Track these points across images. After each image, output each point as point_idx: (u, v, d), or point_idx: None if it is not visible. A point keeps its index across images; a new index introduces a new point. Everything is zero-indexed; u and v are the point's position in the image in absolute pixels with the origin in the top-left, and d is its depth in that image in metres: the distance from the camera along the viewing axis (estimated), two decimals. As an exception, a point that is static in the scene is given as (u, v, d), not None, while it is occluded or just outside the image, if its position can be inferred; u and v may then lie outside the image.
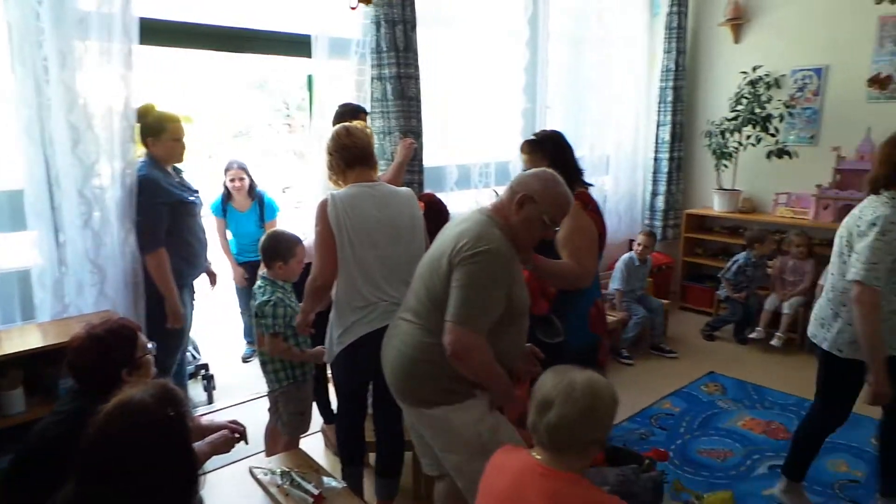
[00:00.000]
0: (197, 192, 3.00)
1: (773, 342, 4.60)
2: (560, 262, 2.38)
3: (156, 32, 3.03)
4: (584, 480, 1.48)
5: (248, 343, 4.51)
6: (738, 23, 5.20)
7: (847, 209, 4.56)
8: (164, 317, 2.79)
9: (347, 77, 3.76)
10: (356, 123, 2.54)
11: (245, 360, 4.47)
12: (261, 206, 4.22)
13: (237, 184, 4.12)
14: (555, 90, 4.92)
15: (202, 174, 5.14)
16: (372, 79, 3.68)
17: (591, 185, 2.71)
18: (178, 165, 2.96)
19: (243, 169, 4.16)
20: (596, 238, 2.47)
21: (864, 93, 4.61)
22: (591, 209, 2.54)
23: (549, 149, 2.56)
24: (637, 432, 3.47)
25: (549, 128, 4.90)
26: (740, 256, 4.81)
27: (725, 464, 3.14)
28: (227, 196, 4.20)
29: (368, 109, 3.60)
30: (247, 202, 4.21)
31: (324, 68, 3.54)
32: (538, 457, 1.50)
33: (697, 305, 5.43)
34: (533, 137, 2.65)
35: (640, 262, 4.65)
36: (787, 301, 4.63)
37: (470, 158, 4.38)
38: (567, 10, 4.88)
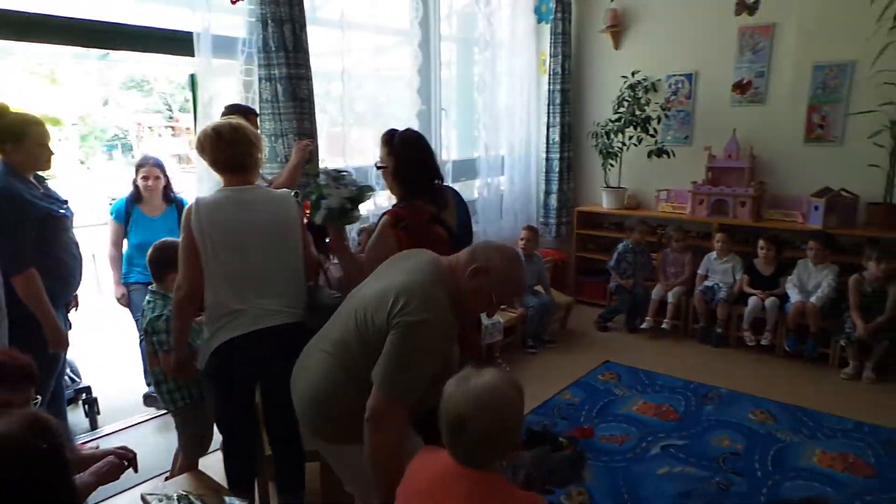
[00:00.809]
0: (66, 202, 2.72)
1: (664, 326, 4.92)
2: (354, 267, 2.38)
3: (9, 24, 2.73)
4: (502, 479, 1.48)
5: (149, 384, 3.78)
6: (617, 30, 5.51)
7: (720, 204, 5.01)
8: (36, 341, 2.50)
9: (234, 77, 3.60)
10: (234, 119, 2.37)
11: (146, 400, 3.74)
12: (178, 211, 3.56)
13: (150, 183, 3.55)
14: (449, 92, 4.98)
15: (73, 183, 4.72)
16: (261, 79, 3.54)
17: (449, 188, 2.69)
18: (42, 174, 2.68)
19: (159, 167, 3.61)
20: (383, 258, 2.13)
21: (729, 97, 5.02)
22: (406, 227, 2.31)
23: (397, 146, 2.46)
24: (541, 423, 3.56)
25: (443, 129, 5.01)
26: (620, 245, 5.12)
27: (623, 447, 3.30)
28: (136, 197, 3.61)
29: (258, 111, 3.46)
30: (160, 206, 3.64)
31: (207, 68, 3.35)
32: (457, 457, 1.48)
33: (592, 299, 5.68)
34: (391, 129, 2.55)
35: (525, 256, 4.71)
36: (670, 291, 4.95)
37: (368, 160, 4.32)
38: (457, 13, 4.96)
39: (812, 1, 4.58)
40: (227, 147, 2.26)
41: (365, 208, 3.16)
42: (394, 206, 2.48)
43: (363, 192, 2.41)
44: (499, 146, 5.44)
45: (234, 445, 2.44)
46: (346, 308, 1.94)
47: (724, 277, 4.77)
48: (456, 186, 4.32)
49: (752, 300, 4.52)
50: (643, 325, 4.99)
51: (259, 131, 2.91)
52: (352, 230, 3.70)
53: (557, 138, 5.68)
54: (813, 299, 4.27)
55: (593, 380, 4.18)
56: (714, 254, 4.81)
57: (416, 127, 4.62)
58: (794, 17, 4.68)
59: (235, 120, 2.36)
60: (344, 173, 2.43)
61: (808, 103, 4.72)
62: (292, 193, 2.44)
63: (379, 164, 2.54)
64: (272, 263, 2.27)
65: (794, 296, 4.36)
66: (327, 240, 2.52)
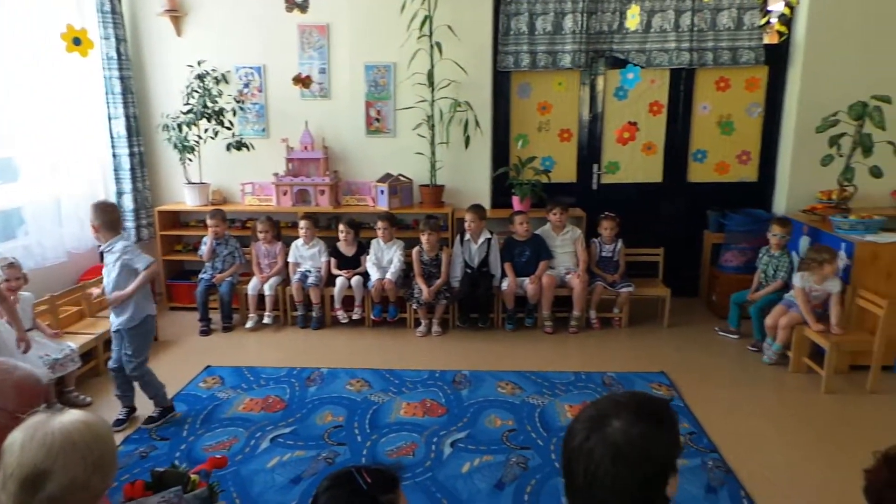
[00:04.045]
0: None
1: (266, 320, 4.92)
2: None
3: None
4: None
5: None
6: (177, 15, 5.18)
7: (302, 193, 5.24)
8: None
9: None
10: None
11: None
12: None
13: None
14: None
15: None
16: None
17: None
18: None
19: None
20: None
21: (298, 90, 5.25)
22: None
23: None
24: (137, 453, 3.16)
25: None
26: (206, 239, 4.97)
27: (231, 451, 3.17)
28: None
29: None
30: None
31: None
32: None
33: (187, 303, 5.29)
34: None
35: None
36: (267, 283, 4.97)
37: None
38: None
39: (358, 5, 5.11)
40: None
41: None
42: None
43: None
44: (45, 142, 4.54)
45: None
46: None
47: (314, 262, 5.02)
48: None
49: (339, 280, 4.88)
50: (248, 325, 4.91)
51: None
52: None
53: (123, 132, 5.07)
54: (389, 274, 4.84)
55: (195, 389, 3.91)
56: (301, 241, 5.02)
57: None
58: (345, 18, 5.15)
59: None
60: None
61: (365, 99, 5.28)
62: None
63: None
64: None
65: (374, 272, 4.87)
66: None
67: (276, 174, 5.20)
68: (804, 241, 4.46)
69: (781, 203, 5.16)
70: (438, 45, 4.86)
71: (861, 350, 3.84)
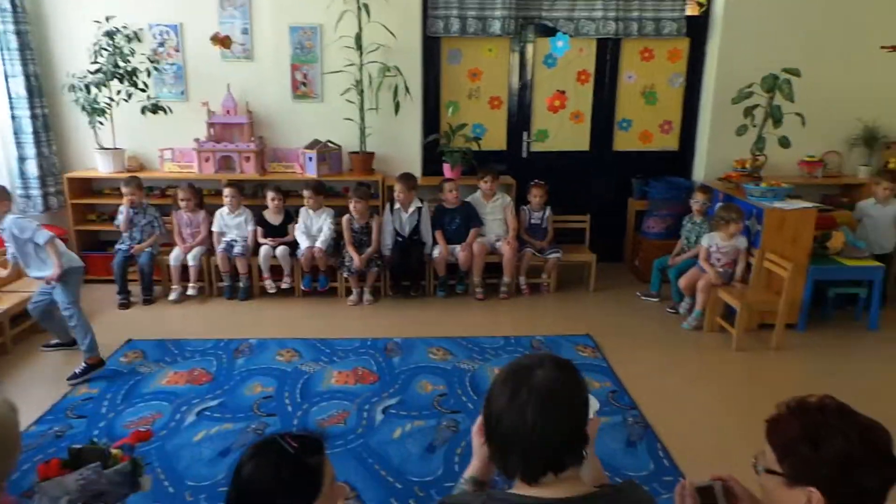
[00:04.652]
0: None
1: (190, 292, 4.75)
2: None
3: None
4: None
5: None
6: (83, -34, 4.79)
7: (226, 160, 5.03)
8: None
9: None
10: None
11: None
12: None
13: None
14: None
15: None
16: None
17: None
18: None
19: None
20: None
21: (220, 51, 4.99)
22: None
23: None
24: (52, 432, 3.01)
25: None
26: (122, 209, 4.72)
27: (155, 426, 3.07)
28: None
29: None
30: None
31: None
32: None
33: (104, 275, 5.01)
34: None
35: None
36: (190, 253, 4.78)
37: None
38: None
39: (280, -37, 4.88)
40: None
41: None
42: None
43: None
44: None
45: None
46: None
47: (240, 231, 4.86)
48: None
49: (263, 249, 4.75)
50: (171, 297, 4.72)
51: None
52: None
53: (23, 92, 4.69)
54: (318, 243, 4.75)
55: (115, 364, 3.75)
56: (225, 209, 4.84)
57: None
58: (267, -23, 4.92)
59: None
60: None
61: (290, 62, 5.08)
62: None
63: None
64: None
65: (304, 241, 4.77)
66: None
67: (197, 140, 4.96)
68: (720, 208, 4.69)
69: (700, 171, 5.39)
70: (366, 6, 4.73)
71: (768, 310, 4.11)
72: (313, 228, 4.85)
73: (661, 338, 4.24)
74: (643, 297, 4.90)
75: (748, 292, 4.13)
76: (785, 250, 4.11)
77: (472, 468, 1.38)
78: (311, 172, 5.01)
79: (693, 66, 5.36)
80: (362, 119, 5.03)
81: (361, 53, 4.86)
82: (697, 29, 5.24)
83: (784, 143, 4.41)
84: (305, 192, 4.79)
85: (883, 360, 3.91)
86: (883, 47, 4.96)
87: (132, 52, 4.77)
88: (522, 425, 1.13)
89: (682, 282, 4.45)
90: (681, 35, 5.20)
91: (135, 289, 4.76)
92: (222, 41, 4.83)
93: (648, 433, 3.07)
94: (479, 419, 1.37)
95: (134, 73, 4.71)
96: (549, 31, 5.18)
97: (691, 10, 4.61)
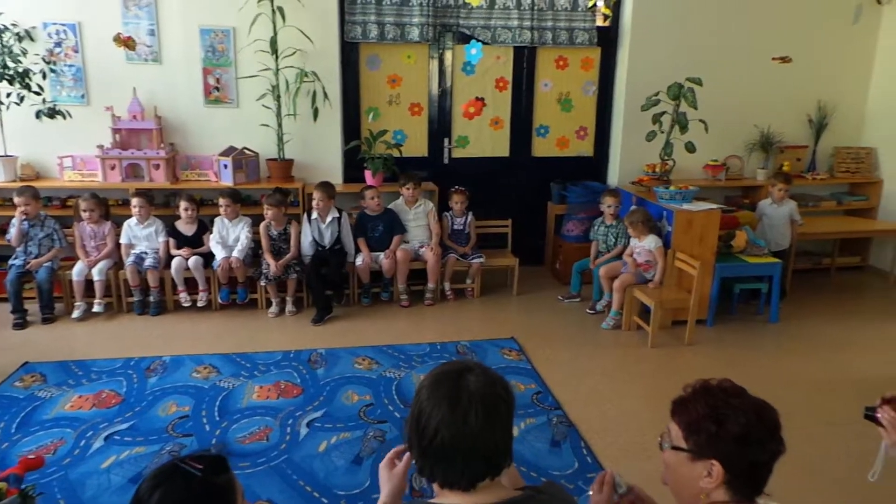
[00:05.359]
0: None
1: (96, 308, 4.45)
2: None
3: None
4: None
5: None
6: (-35, -41, 4.42)
7: (134, 168, 4.76)
8: None
9: None
10: None
11: None
12: None
13: None
14: None
15: None
16: None
17: None
18: None
19: None
20: None
21: (125, 53, 4.73)
22: None
23: None
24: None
25: None
26: (15, 221, 4.39)
27: (57, 455, 2.85)
28: None
29: None
30: None
31: None
32: None
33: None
34: None
35: None
36: (95, 267, 4.49)
37: None
38: None
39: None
40: None
41: None
42: None
43: None
44: None
45: None
46: None
47: (150, 243, 4.62)
48: None
49: (175, 261, 4.53)
50: (75, 315, 4.41)
51: None
52: None
53: None
54: (236, 252, 4.58)
55: (9, 389, 3.45)
56: (134, 220, 4.58)
57: None
58: (175, -23, 4.71)
59: None
60: None
61: (202, 65, 4.88)
62: None
63: None
64: None
65: (219, 252, 4.58)
66: None
67: (101, 146, 4.67)
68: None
69: (614, 176, 5.60)
70: (281, 10, 4.61)
71: (680, 307, 4.31)
72: (230, 238, 4.67)
73: (582, 338, 4.35)
74: (565, 300, 5.02)
75: (661, 291, 4.32)
76: (693, 250, 4.33)
77: (383, 501, 1.36)
78: (227, 180, 4.82)
79: (605, 75, 5.57)
80: (280, 125, 4.90)
81: (277, 58, 4.74)
82: (608, 39, 5.46)
83: (690, 148, 4.66)
84: (221, 201, 4.61)
85: (782, 350, 4.19)
86: (774, 58, 5.34)
87: (24, 52, 4.44)
88: (467, 433, 1.11)
89: (602, 271, 4.63)
90: (592, 45, 5.40)
91: (33, 306, 4.42)
92: (126, 42, 4.57)
93: (572, 432, 3.14)
94: (390, 454, 1.37)
95: (26, 74, 4.38)
96: (468, 39, 5.24)
97: (599, 21, 4.78)
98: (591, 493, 1.46)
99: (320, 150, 5.17)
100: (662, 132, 4.70)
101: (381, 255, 4.76)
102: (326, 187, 4.70)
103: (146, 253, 4.57)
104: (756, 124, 5.59)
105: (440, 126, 5.46)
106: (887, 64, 5.62)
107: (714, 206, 4.53)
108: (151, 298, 4.57)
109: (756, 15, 5.37)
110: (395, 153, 5.12)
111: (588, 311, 4.78)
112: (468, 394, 1.13)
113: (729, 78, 5.38)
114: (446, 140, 5.49)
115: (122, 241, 4.58)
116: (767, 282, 4.61)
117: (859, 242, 5.79)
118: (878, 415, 1.62)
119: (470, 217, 5.11)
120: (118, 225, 4.62)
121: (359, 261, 4.75)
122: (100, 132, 4.69)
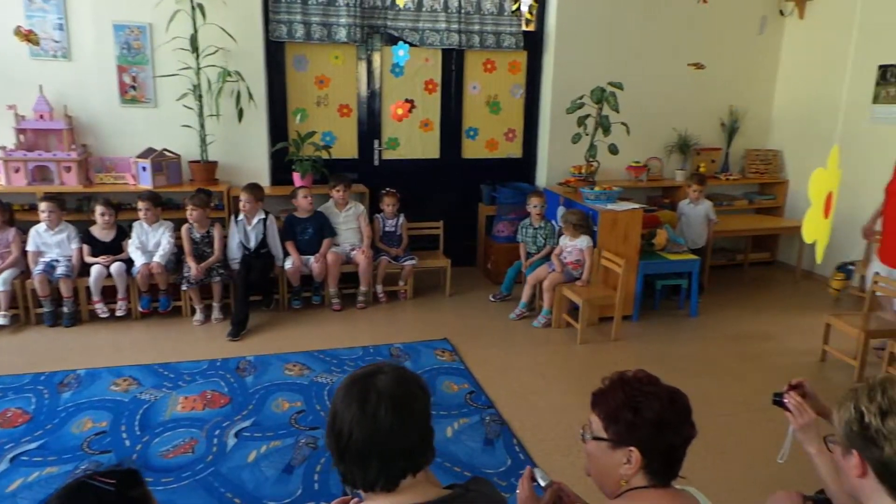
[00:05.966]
0: None
1: (1, 322, 4.17)
2: None
3: None
4: None
5: None
6: None
7: (42, 171, 4.47)
8: None
9: None
10: None
11: None
12: None
13: None
14: None
15: None
16: None
17: None
18: None
19: None
20: None
21: (28, 48, 4.44)
22: None
23: None
24: None
25: None
26: None
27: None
28: None
29: None
30: None
31: None
32: None
33: None
34: None
35: None
36: (1, 275, 4.19)
37: None
38: None
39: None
40: None
41: None
42: None
43: None
44: None
45: None
46: None
47: (62, 250, 4.35)
48: None
49: (95, 269, 4.29)
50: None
51: None
52: None
53: None
54: (157, 257, 4.38)
55: None
56: (43, 226, 4.30)
57: None
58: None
59: None
60: None
61: (116, 63, 4.65)
62: None
63: None
64: None
65: (139, 258, 4.37)
66: None
67: (3, 148, 4.36)
68: (561, 211, 5.00)
69: (542, 177, 5.72)
70: (201, 7, 4.46)
71: (607, 304, 4.45)
72: (150, 244, 4.46)
73: (514, 337, 4.42)
74: (497, 300, 5.08)
75: (589, 289, 4.44)
76: (618, 248, 4.48)
77: None
78: (146, 183, 4.61)
79: (531, 78, 5.68)
80: (202, 126, 4.72)
81: (198, 56, 4.57)
82: (534, 43, 5.57)
83: (613, 150, 4.82)
84: (140, 205, 4.40)
85: (702, 342, 4.40)
86: (689, 65, 5.61)
87: (-87, 46, 4.09)
88: (378, 430, 1.13)
89: (530, 278, 4.70)
90: (519, 48, 5.50)
91: (-73, 322, 4.08)
92: (27, 36, 4.28)
93: (505, 430, 3.18)
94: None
95: (-84, 70, 4.04)
96: (396, 41, 5.23)
97: (524, 25, 4.86)
98: (518, 491, 1.50)
99: (246, 152, 5.02)
100: (587, 134, 4.84)
101: (311, 258, 4.68)
102: (254, 189, 4.57)
103: (58, 261, 4.30)
104: (674, 127, 5.86)
105: (370, 128, 5.42)
106: (790, 72, 6.01)
107: (637, 205, 4.70)
108: (65, 309, 4.30)
109: (673, 23, 5.62)
110: (325, 155, 5.04)
111: (511, 316, 4.73)
112: (377, 392, 1.15)
113: (649, 83, 5.61)
114: (376, 142, 5.45)
115: (30, 248, 4.29)
116: (687, 278, 4.83)
117: (769, 239, 6.17)
118: (786, 400, 1.73)
119: (401, 219, 5.09)
120: (25, 231, 4.33)
121: (288, 264, 4.64)
122: (2, 133, 4.39)
